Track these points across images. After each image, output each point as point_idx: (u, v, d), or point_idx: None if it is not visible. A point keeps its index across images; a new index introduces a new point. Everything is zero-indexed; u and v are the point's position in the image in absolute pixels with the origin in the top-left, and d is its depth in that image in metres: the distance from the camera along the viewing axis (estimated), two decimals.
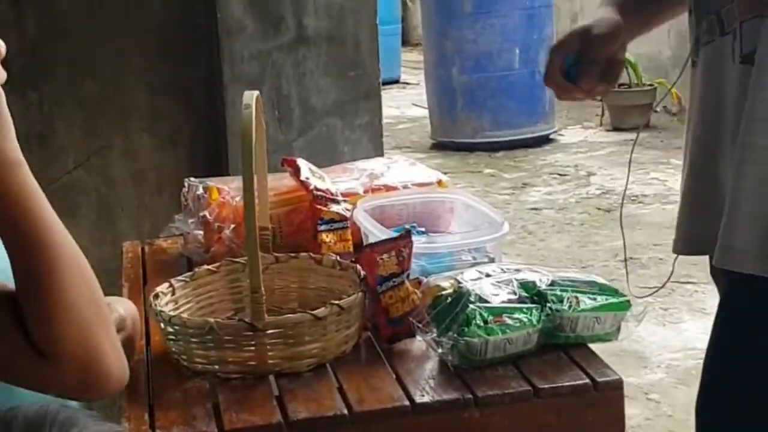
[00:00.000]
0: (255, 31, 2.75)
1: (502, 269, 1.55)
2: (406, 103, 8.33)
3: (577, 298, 1.48)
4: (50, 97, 2.70)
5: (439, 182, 2.05)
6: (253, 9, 2.74)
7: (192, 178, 2.01)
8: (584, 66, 1.65)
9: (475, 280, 1.51)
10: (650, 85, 6.81)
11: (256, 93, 1.51)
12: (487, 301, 1.46)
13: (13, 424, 0.84)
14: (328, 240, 1.84)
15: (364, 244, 1.80)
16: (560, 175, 5.99)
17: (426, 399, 1.38)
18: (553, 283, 1.50)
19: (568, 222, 5.14)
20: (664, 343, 3.68)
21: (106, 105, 2.70)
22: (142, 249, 2.06)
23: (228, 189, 1.96)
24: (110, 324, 1.18)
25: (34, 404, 0.87)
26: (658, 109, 6.94)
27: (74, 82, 2.69)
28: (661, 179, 5.69)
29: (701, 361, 1.59)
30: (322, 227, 1.85)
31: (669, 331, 3.78)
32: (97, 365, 1.13)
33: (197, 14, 2.74)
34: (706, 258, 1.57)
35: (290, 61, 2.80)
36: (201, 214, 1.93)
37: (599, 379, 1.40)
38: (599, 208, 5.31)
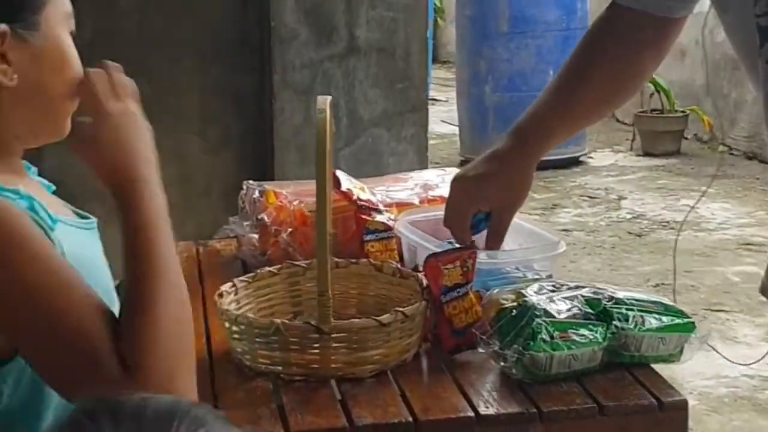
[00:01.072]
0: (307, 40, 2.77)
1: (566, 285, 1.55)
2: (435, 119, 8.32)
3: (642, 317, 1.48)
4: None
5: None
6: (307, 18, 2.76)
7: (250, 181, 2.02)
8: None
9: (540, 294, 1.51)
10: (682, 111, 6.80)
11: (329, 98, 1.52)
12: (552, 316, 1.46)
13: (143, 416, 0.85)
14: (374, 250, 1.85)
15: (407, 256, 1.81)
16: (590, 197, 5.98)
17: (490, 411, 1.38)
18: (618, 302, 1.50)
19: (599, 245, 5.13)
20: (697, 370, 3.66)
21: (158, 107, 2.69)
22: (197, 250, 2.06)
23: (285, 193, 1.97)
24: (193, 355, 1.22)
25: (168, 397, 0.88)
26: (688, 136, 6.93)
27: None
28: (691, 206, 5.67)
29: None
30: (369, 237, 1.85)
31: (701, 359, 3.74)
32: (173, 388, 1.15)
33: (251, 21, 2.76)
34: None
35: (340, 71, 2.82)
36: (258, 216, 1.94)
37: (665, 400, 1.40)
38: (630, 232, 5.30)
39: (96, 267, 1.31)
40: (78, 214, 1.38)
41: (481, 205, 1.68)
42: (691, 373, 3.62)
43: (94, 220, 1.41)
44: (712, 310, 4.08)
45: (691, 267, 4.68)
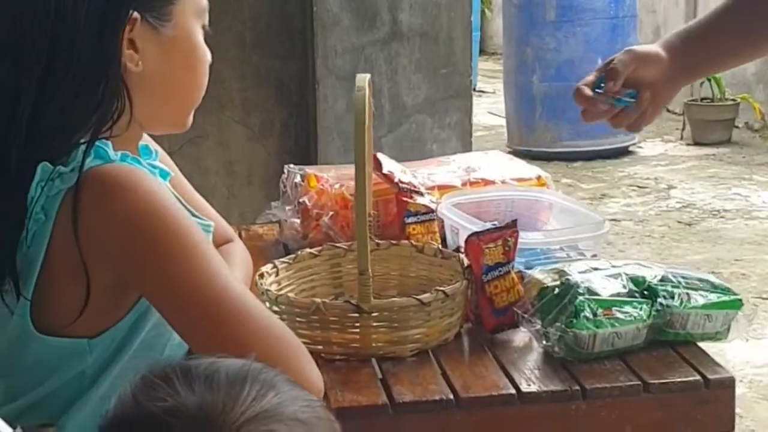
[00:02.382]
0: (350, 26, 2.76)
1: (610, 263, 1.52)
2: (481, 111, 8.30)
3: (688, 294, 1.46)
4: None
5: (539, 178, 2.03)
6: (349, 3, 2.75)
7: (291, 165, 2.01)
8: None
9: (583, 272, 1.49)
10: (733, 100, 6.70)
11: (367, 76, 1.50)
12: (596, 294, 1.44)
13: (215, 378, 0.85)
14: (415, 232, 1.83)
15: (449, 238, 1.79)
16: (639, 187, 5.91)
17: (533, 388, 1.36)
18: (663, 279, 1.47)
19: (648, 234, 5.07)
20: (747, 358, 3.61)
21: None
22: (239, 234, 2.06)
23: (327, 177, 1.96)
24: (298, 345, 1.26)
25: (238, 360, 0.88)
26: (739, 125, 6.83)
27: None
28: (742, 195, 5.59)
29: None
30: (410, 219, 1.84)
31: (752, 347, 3.71)
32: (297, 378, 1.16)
33: (293, 7, 2.75)
34: None
35: (383, 57, 2.81)
36: (300, 200, 1.93)
37: (711, 377, 1.37)
38: (680, 222, 5.23)
39: None
40: (192, 213, 1.39)
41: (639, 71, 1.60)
42: (741, 361, 3.57)
43: (211, 223, 1.43)
44: (763, 298, 4.01)
45: (741, 255, 4.61)
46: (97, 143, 1.26)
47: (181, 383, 0.84)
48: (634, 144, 6.72)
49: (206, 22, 1.37)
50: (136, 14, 1.28)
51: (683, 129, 6.86)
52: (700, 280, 1.49)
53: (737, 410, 3.43)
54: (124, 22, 1.27)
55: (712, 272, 4.52)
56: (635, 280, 1.47)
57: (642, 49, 1.65)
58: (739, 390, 3.39)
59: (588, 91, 1.62)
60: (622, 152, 6.58)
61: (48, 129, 1.26)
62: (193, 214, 1.39)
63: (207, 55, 1.37)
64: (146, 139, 1.45)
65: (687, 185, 5.86)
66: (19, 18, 1.26)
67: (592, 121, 1.67)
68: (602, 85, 1.62)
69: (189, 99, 1.38)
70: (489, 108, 8.33)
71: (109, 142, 1.28)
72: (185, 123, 1.40)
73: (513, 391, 1.36)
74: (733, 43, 1.66)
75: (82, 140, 1.26)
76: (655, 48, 1.65)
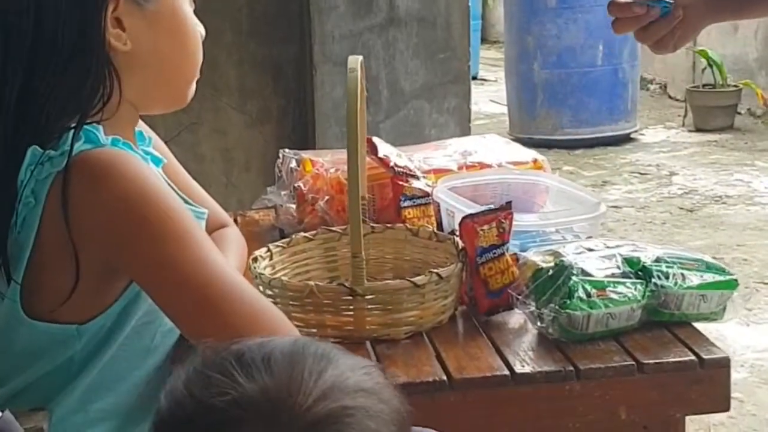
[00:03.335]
0: (346, 11, 2.75)
1: (605, 244, 1.52)
2: (483, 99, 8.29)
3: (683, 274, 1.45)
4: None
5: (535, 161, 2.02)
6: None
7: (287, 150, 2.01)
8: None
9: (578, 253, 1.48)
10: (735, 86, 6.68)
11: (360, 58, 1.50)
12: (590, 275, 1.43)
13: (272, 358, 0.83)
14: (411, 216, 1.82)
15: (445, 221, 1.78)
16: (641, 174, 5.90)
17: (526, 369, 1.36)
18: (658, 259, 1.47)
19: (650, 221, 5.06)
20: (748, 342, 3.60)
21: (198, 81, 2.71)
22: (235, 220, 2.06)
23: (322, 161, 1.96)
24: (291, 330, 1.25)
25: (285, 338, 0.86)
26: (742, 111, 6.81)
27: None
28: (745, 180, 5.58)
29: None
30: (406, 203, 1.83)
31: (753, 331, 3.70)
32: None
33: None
34: None
35: (381, 42, 2.80)
36: (295, 185, 1.93)
37: (705, 356, 1.36)
38: (682, 208, 5.22)
39: None
40: (185, 200, 1.38)
41: None
42: (743, 346, 3.57)
43: (204, 210, 1.42)
44: (765, 283, 4.01)
45: (743, 241, 4.60)
46: (87, 127, 1.25)
47: (239, 372, 0.82)
48: (635, 131, 6.70)
49: None
50: None
51: (685, 116, 6.84)
52: (695, 260, 1.48)
53: (738, 395, 3.44)
54: (105, 0, 1.26)
55: (714, 257, 4.52)
56: (630, 261, 1.46)
57: None
58: (741, 375, 3.40)
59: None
60: (624, 139, 6.57)
61: (36, 112, 1.25)
62: (187, 201, 1.39)
63: (197, 28, 1.36)
64: (141, 126, 1.45)
65: (689, 171, 5.85)
66: (2, 1, 1.25)
67: (622, 32, 1.56)
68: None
69: (182, 74, 1.36)
70: (491, 96, 8.31)
71: (100, 126, 1.27)
72: (184, 98, 1.38)
73: (507, 372, 1.35)
74: None
75: (72, 123, 1.25)
76: None
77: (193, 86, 1.39)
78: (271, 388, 0.81)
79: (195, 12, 1.37)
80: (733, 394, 3.62)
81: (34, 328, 1.25)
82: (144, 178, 1.22)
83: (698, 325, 1.47)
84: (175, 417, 0.83)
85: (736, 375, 3.39)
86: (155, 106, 1.39)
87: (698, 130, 6.69)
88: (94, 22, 1.25)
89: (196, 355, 0.86)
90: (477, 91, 8.63)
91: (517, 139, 6.73)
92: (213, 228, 1.54)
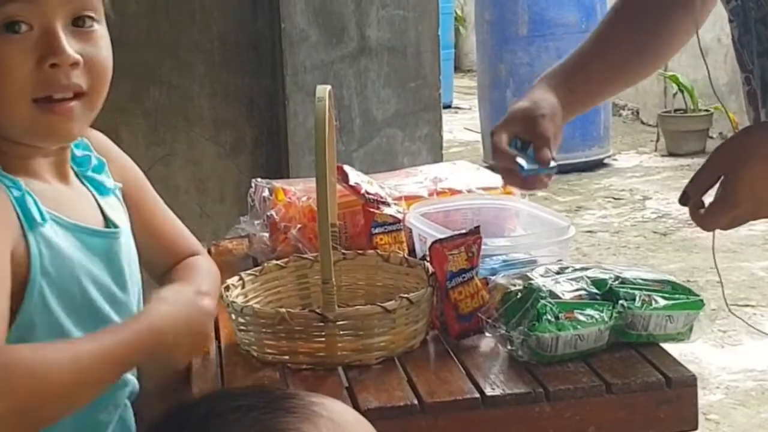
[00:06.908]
0: (318, 42, 2.78)
1: (573, 267, 1.54)
2: (458, 127, 8.35)
3: (650, 296, 1.47)
4: (115, 105, 2.72)
5: (505, 187, 2.04)
6: (317, 19, 2.76)
7: (259, 179, 2.02)
8: (535, 150, 1.63)
9: (545, 276, 1.50)
10: (706, 110, 6.75)
11: (328, 87, 1.52)
12: (558, 297, 1.45)
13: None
14: (383, 242, 1.84)
15: (418, 247, 1.80)
16: (615, 198, 5.95)
17: (497, 392, 1.37)
18: (624, 281, 1.49)
19: (624, 245, 5.10)
20: (723, 364, 3.63)
21: (171, 113, 2.73)
22: (209, 250, 2.07)
23: (294, 190, 1.97)
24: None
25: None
26: (713, 135, 6.88)
27: (139, 90, 2.73)
28: None
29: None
30: (377, 230, 1.85)
31: (728, 353, 3.73)
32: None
33: (261, 24, 2.76)
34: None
35: (352, 72, 2.82)
36: (267, 213, 1.94)
37: (672, 376, 1.38)
38: (655, 232, 5.27)
39: (91, 273, 1.30)
40: (109, 223, 1.37)
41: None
42: (718, 368, 3.59)
43: (116, 230, 1.38)
44: (739, 305, 4.04)
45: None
46: None
47: None
48: (609, 156, 6.76)
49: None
50: None
51: (657, 140, 6.91)
52: (661, 281, 1.50)
53: (714, 416, 3.46)
54: None
55: (688, 281, 4.55)
56: (597, 283, 1.48)
57: (546, 105, 1.67)
58: (716, 396, 3.42)
59: (512, 165, 1.62)
60: (597, 165, 6.62)
61: None
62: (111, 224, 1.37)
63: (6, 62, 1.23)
64: (103, 148, 1.43)
65: (662, 196, 5.90)
66: None
67: (512, 185, 1.70)
68: (521, 150, 1.64)
69: (14, 107, 1.24)
70: (466, 124, 8.37)
71: None
72: (22, 119, 1.24)
73: (477, 395, 1.37)
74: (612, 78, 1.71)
75: None
76: (549, 96, 1.67)
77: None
78: None
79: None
80: (708, 416, 3.65)
81: None
82: None
83: (671, 347, 1.50)
84: None
85: (711, 397, 3.42)
86: (14, 134, 1.27)
87: (671, 154, 6.76)
88: None
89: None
90: (451, 119, 8.70)
91: (491, 167, 6.78)
92: (184, 256, 1.53)
